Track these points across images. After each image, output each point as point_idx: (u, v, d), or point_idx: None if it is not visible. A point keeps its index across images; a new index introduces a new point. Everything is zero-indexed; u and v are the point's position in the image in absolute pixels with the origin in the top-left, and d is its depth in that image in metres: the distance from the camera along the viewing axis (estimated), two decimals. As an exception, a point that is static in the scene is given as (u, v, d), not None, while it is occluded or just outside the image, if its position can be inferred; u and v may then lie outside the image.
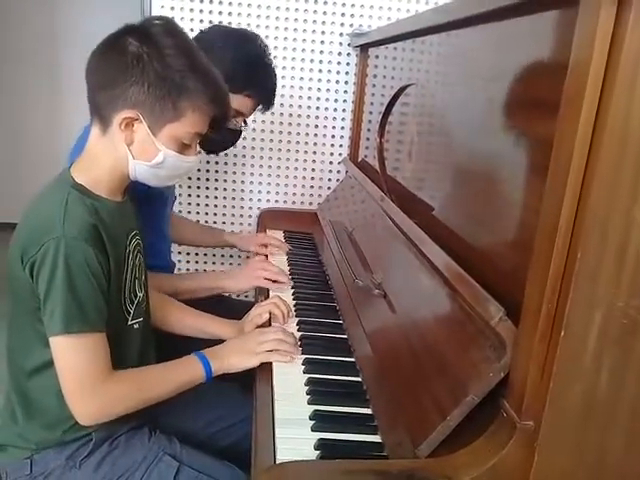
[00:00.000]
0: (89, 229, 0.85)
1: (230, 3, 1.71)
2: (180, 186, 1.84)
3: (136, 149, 0.91)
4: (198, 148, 1.01)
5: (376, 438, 0.81)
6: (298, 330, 1.12)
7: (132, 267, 0.97)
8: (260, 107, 1.35)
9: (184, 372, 0.97)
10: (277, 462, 0.74)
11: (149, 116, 0.89)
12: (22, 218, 0.90)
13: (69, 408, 0.87)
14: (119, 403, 0.90)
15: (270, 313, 1.14)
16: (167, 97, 0.88)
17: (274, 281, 1.32)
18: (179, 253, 1.92)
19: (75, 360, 0.85)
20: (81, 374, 0.85)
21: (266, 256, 1.52)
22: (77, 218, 0.85)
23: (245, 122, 1.38)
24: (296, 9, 1.74)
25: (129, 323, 0.97)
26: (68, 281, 0.82)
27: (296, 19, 1.75)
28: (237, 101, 1.26)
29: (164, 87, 0.88)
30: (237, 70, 1.23)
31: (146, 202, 1.13)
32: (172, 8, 1.68)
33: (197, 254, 1.95)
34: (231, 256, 1.95)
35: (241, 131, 1.38)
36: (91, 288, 0.85)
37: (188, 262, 1.95)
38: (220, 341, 1.09)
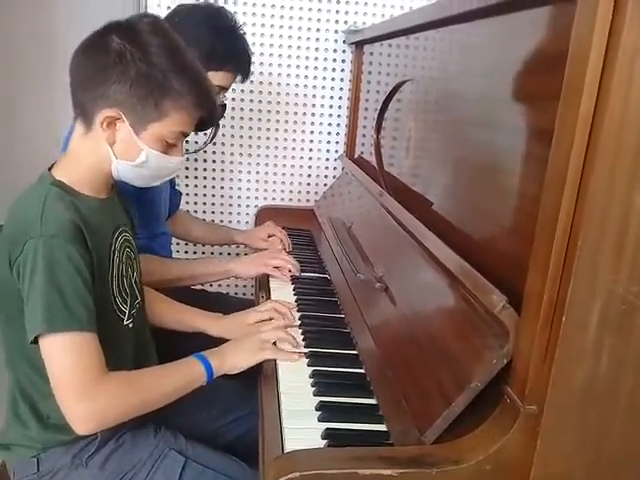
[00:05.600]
0: (69, 226, 0.83)
1: (225, 1, 1.72)
2: (177, 185, 1.85)
3: (119, 148, 0.90)
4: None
5: (382, 427, 0.82)
6: (300, 325, 1.13)
7: (119, 264, 0.95)
8: (239, 78, 1.35)
9: (184, 374, 0.94)
10: (285, 452, 0.75)
11: (131, 115, 0.87)
12: (6, 219, 0.89)
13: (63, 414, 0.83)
14: (114, 406, 0.85)
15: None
16: (150, 97, 0.86)
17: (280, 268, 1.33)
18: (177, 252, 1.92)
19: (63, 360, 0.81)
20: (70, 375, 0.81)
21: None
22: (56, 215, 0.83)
23: (225, 95, 1.38)
24: (291, 7, 1.75)
25: (125, 323, 0.96)
26: (49, 280, 0.80)
27: (291, 17, 1.76)
28: (219, 77, 1.27)
29: (147, 87, 0.86)
30: (216, 48, 1.23)
31: (139, 195, 1.13)
32: (168, 8, 1.68)
33: (195, 252, 1.95)
34: (229, 253, 1.95)
35: (225, 104, 1.38)
36: (76, 285, 0.82)
37: (186, 253, 1.95)
38: (218, 339, 1.09)
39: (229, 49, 1.27)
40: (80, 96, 0.90)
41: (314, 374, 0.95)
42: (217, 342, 1.04)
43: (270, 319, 1.11)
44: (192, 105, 0.90)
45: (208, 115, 0.95)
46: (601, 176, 0.57)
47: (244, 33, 1.33)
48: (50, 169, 0.93)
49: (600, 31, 0.54)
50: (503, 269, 0.76)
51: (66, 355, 0.81)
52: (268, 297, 1.26)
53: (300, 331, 1.10)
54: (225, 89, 1.34)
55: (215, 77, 1.23)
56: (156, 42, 0.87)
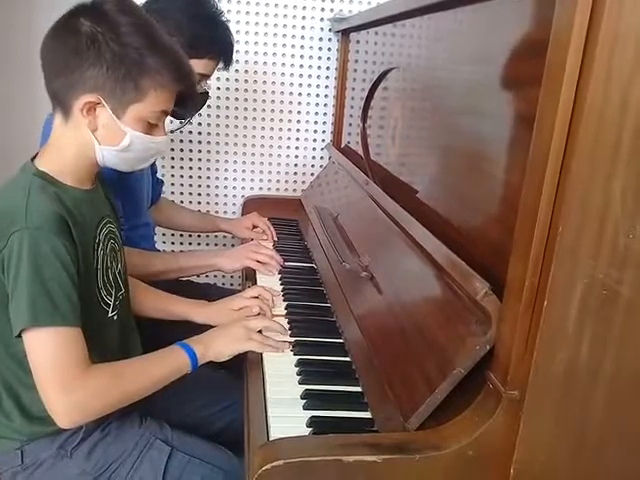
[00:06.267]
0: (54, 218, 0.82)
1: (209, -11, 1.70)
2: (162, 175, 1.84)
3: (101, 134, 0.88)
4: (169, 127, 0.99)
5: (366, 414, 0.83)
6: (287, 314, 1.13)
7: (103, 256, 0.94)
8: (221, 65, 1.34)
9: (168, 362, 0.93)
10: (271, 440, 0.75)
11: (111, 99, 0.86)
12: None
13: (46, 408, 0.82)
14: (97, 399, 0.85)
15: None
16: (127, 78, 0.85)
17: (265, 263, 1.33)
18: (163, 243, 1.91)
19: (46, 355, 0.81)
20: (53, 370, 0.81)
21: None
22: (41, 208, 0.82)
23: (207, 83, 1.38)
24: (276, -6, 1.74)
25: (109, 315, 0.96)
26: (35, 273, 0.79)
27: (276, 4, 1.75)
28: (201, 65, 1.26)
29: (123, 68, 0.84)
30: (198, 37, 1.22)
31: (122, 185, 1.12)
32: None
33: (182, 243, 1.94)
34: (216, 244, 1.94)
35: (208, 92, 1.38)
36: (61, 279, 0.81)
37: (173, 244, 1.94)
38: (203, 327, 1.09)
39: (211, 36, 1.26)
40: (54, 83, 0.88)
41: (299, 362, 0.95)
42: (202, 330, 1.04)
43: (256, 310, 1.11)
44: (170, 81, 0.89)
45: (187, 89, 0.93)
46: (581, 162, 0.57)
47: (226, 20, 1.32)
48: (33, 159, 0.92)
49: (581, 17, 0.54)
50: (487, 257, 0.77)
51: (49, 349, 0.81)
52: (254, 286, 1.25)
53: (286, 320, 1.10)
54: (207, 77, 1.33)
55: (197, 65, 1.21)
56: (126, 21, 0.85)
